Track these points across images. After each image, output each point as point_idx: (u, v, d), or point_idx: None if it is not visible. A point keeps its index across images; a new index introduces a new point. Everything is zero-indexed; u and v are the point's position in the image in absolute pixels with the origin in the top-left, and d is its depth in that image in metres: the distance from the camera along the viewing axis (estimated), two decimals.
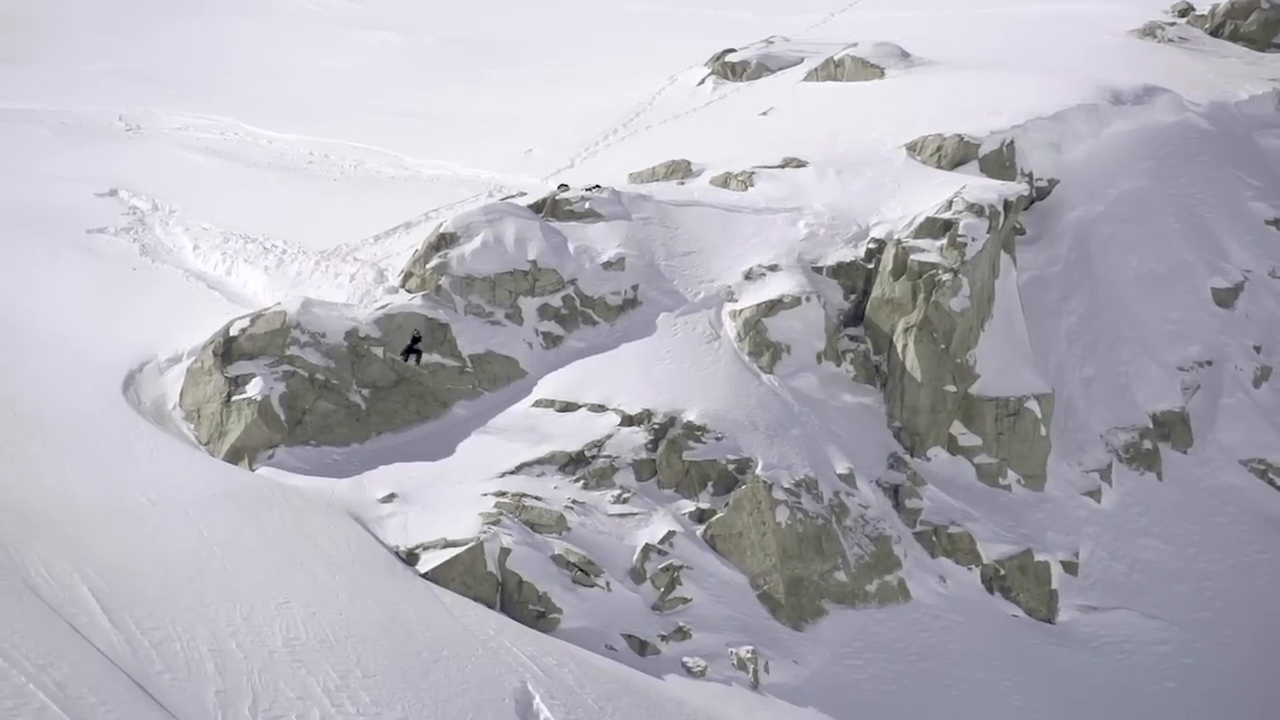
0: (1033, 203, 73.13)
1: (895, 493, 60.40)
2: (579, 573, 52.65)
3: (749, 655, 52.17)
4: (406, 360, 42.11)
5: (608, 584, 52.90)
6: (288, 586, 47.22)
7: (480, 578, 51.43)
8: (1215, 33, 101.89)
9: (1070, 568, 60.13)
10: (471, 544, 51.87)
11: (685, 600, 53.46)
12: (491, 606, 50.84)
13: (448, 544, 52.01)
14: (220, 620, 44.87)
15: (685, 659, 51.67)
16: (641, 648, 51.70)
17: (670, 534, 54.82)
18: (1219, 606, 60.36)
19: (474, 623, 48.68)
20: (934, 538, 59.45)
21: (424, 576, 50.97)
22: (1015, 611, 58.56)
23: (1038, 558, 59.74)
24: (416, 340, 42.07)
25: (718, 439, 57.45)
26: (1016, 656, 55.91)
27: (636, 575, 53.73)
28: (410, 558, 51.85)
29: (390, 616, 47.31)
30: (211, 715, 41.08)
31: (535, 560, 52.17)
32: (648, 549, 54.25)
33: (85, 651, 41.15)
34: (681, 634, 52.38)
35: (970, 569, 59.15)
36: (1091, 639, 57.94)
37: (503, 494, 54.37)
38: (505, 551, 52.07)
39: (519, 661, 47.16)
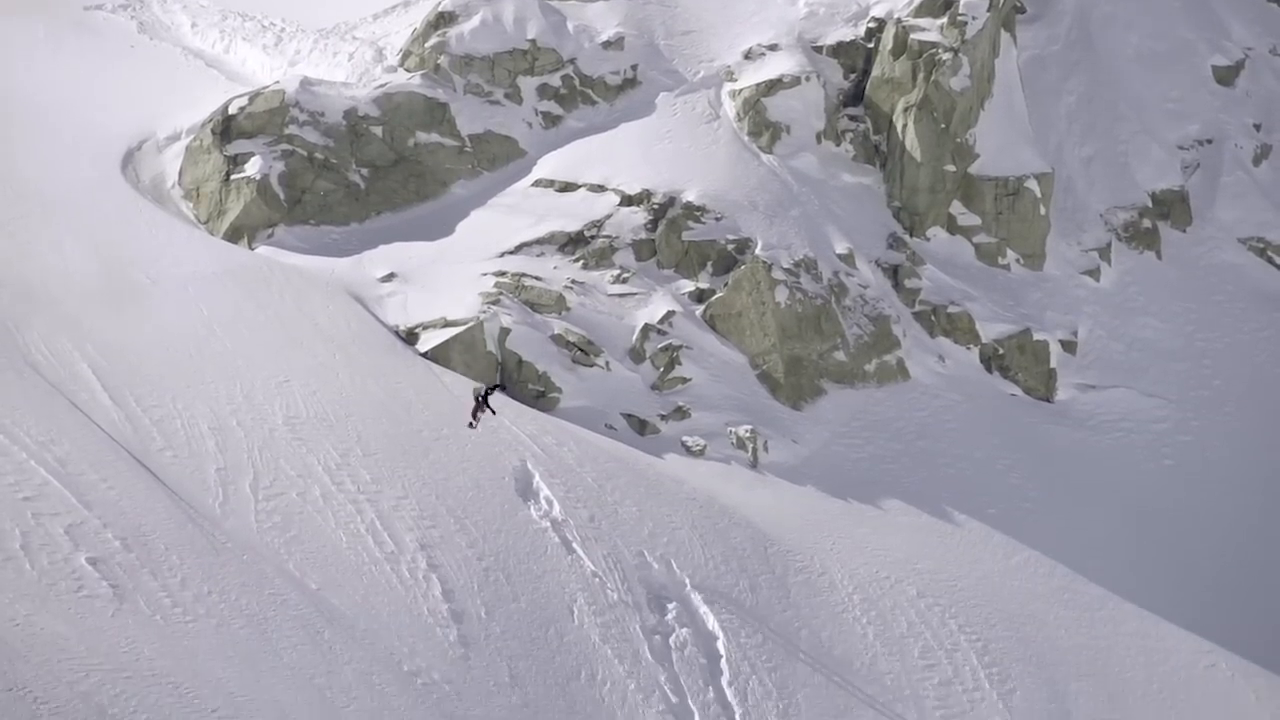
0: None
1: (894, 273, 59.58)
2: (578, 352, 52.13)
3: (748, 434, 51.81)
4: (478, 412, 40.04)
5: (607, 364, 52.39)
6: (288, 365, 46.62)
7: (480, 357, 50.89)
8: None
9: (1069, 346, 59.51)
10: (471, 323, 51.27)
11: (684, 380, 52.99)
12: None
13: (447, 323, 51.39)
14: (220, 398, 44.34)
15: (684, 438, 51.36)
16: (641, 427, 51.35)
17: (669, 314, 54.19)
18: (1217, 384, 59.89)
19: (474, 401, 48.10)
20: (933, 317, 58.76)
21: (424, 356, 50.44)
22: (1014, 390, 58.07)
23: (1036, 337, 59.12)
24: (494, 389, 39.70)
25: (717, 219, 56.46)
26: (1015, 435, 55.56)
27: (636, 355, 53.20)
28: (410, 337, 51.26)
29: (390, 395, 46.76)
30: (213, 492, 40.70)
31: (535, 340, 51.60)
32: (647, 329, 53.64)
33: (86, 428, 40.64)
34: (681, 413, 52.00)
35: (969, 348, 58.52)
36: (1089, 417, 57.53)
37: (502, 274, 53.62)
38: (505, 331, 51.50)
39: (518, 440, 46.73)
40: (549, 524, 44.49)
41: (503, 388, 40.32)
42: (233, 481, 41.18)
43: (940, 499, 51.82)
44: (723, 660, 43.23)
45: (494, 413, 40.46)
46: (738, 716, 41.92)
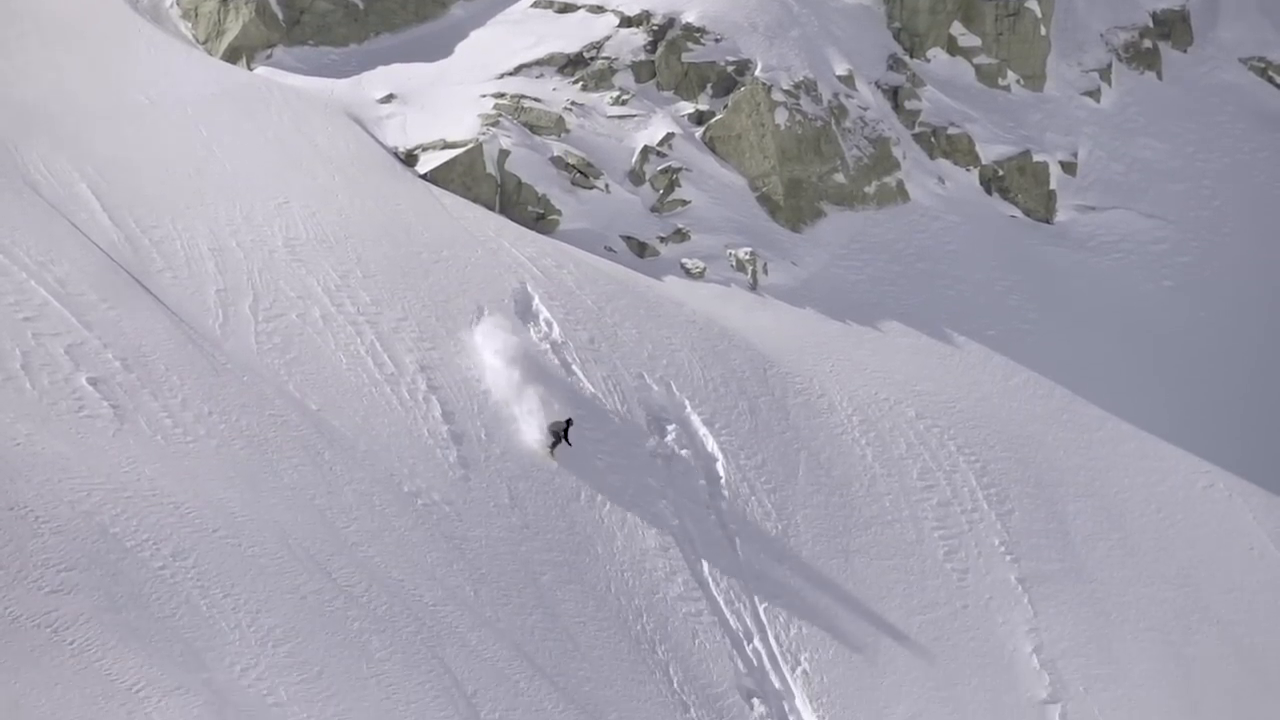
0: None
1: (894, 94, 58.48)
2: (578, 174, 51.37)
3: (747, 257, 51.18)
4: (556, 447, 38.64)
5: (606, 186, 51.64)
6: (287, 186, 45.80)
7: (479, 179, 50.08)
8: None
9: (1068, 168, 58.64)
10: (470, 145, 50.40)
11: (684, 202, 52.25)
12: (491, 208, 49.62)
13: (447, 145, 50.53)
14: (220, 219, 43.57)
15: (684, 260, 50.75)
16: (640, 249, 50.73)
17: (669, 136, 53.28)
18: (1217, 205, 59.16)
19: (473, 224, 47.43)
20: (933, 139, 57.83)
21: (423, 177, 49.61)
22: (1013, 212, 57.31)
23: (1036, 158, 58.25)
24: (570, 423, 38.12)
25: (716, 40, 55.30)
26: (1014, 256, 54.93)
27: (635, 177, 52.42)
28: (409, 159, 50.41)
29: (390, 217, 45.99)
30: (212, 313, 40.09)
31: (534, 162, 50.80)
32: (646, 151, 52.77)
33: (85, 249, 39.91)
34: (680, 236, 51.35)
35: (969, 170, 57.68)
36: (1089, 238, 56.89)
37: (501, 95, 52.62)
38: (504, 153, 50.66)
39: (518, 263, 46.07)
40: (549, 346, 43.98)
41: (571, 422, 39.60)
42: (232, 303, 40.56)
43: (939, 321, 51.34)
44: (722, 482, 42.98)
45: (570, 444, 39.43)
46: (737, 538, 41.72)
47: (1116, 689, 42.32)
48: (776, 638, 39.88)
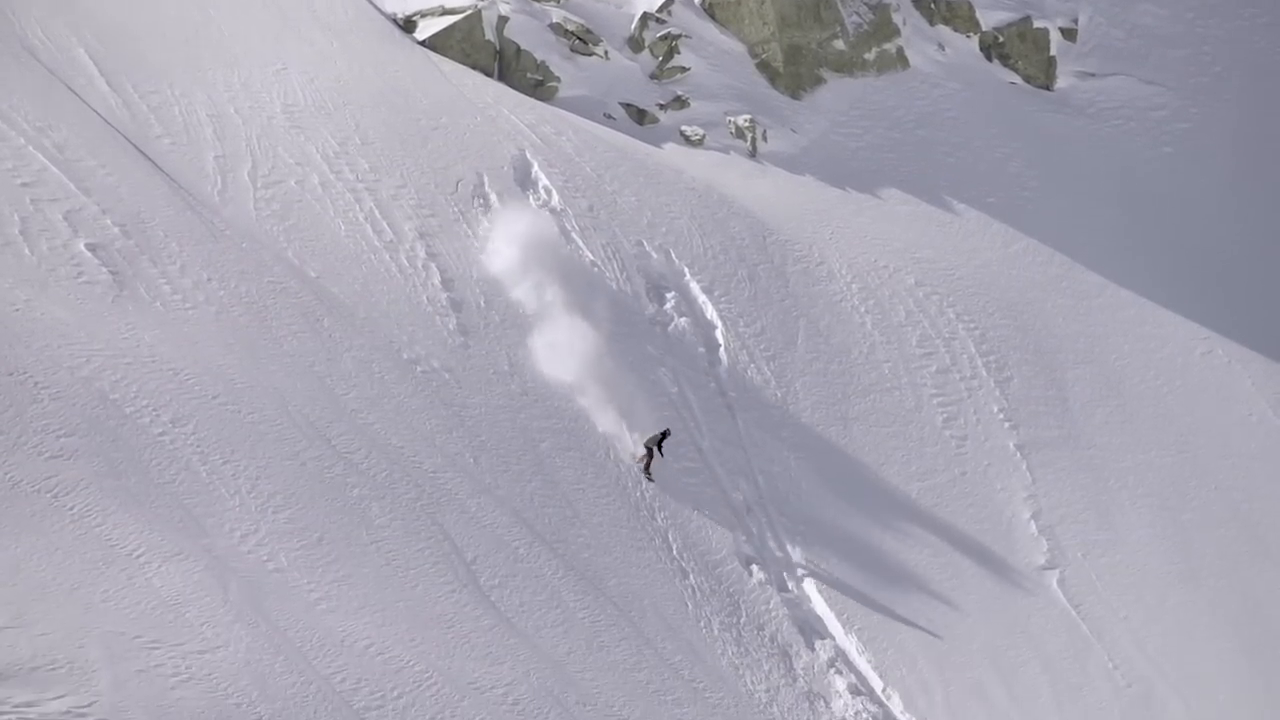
0: None
1: None
2: (577, 41, 50.64)
3: (747, 124, 50.56)
4: (651, 462, 36.56)
5: (605, 53, 50.96)
6: (285, 52, 45.04)
7: (478, 45, 49.32)
8: None
9: (1069, 34, 57.87)
10: (469, 11, 49.62)
11: (683, 69, 51.57)
12: (489, 75, 49.01)
13: (445, 11, 49.72)
14: (218, 86, 42.83)
15: (683, 128, 50.18)
16: (640, 116, 50.12)
17: (668, 2, 52.74)
18: (1216, 71, 58.44)
19: (472, 91, 46.72)
20: (933, 5, 57.01)
21: (421, 44, 48.82)
22: (1013, 79, 56.58)
23: (1036, 24, 57.51)
24: (665, 436, 36.34)
25: None
26: (1013, 123, 54.30)
27: (635, 44, 51.70)
28: (408, 25, 49.59)
29: (388, 84, 45.25)
30: (211, 180, 39.47)
31: (533, 28, 50.07)
32: (646, 17, 52.04)
33: (83, 115, 39.22)
34: (679, 103, 50.73)
35: (968, 36, 56.89)
36: (1089, 105, 56.19)
37: None
38: (503, 20, 49.98)
39: (517, 129, 45.39)
40: (548, 213, 43.44)
41: (668, 433, 37.80)
42: (231, 169, 39.94)
43: (939, 188, 50.84)
44: (721, 349, 42.64)
45: (664, 456, 37.70)
46: (736, 405, 41.43)
47: (1114, 554, 42.23)
48: (775, 505, 39.66)
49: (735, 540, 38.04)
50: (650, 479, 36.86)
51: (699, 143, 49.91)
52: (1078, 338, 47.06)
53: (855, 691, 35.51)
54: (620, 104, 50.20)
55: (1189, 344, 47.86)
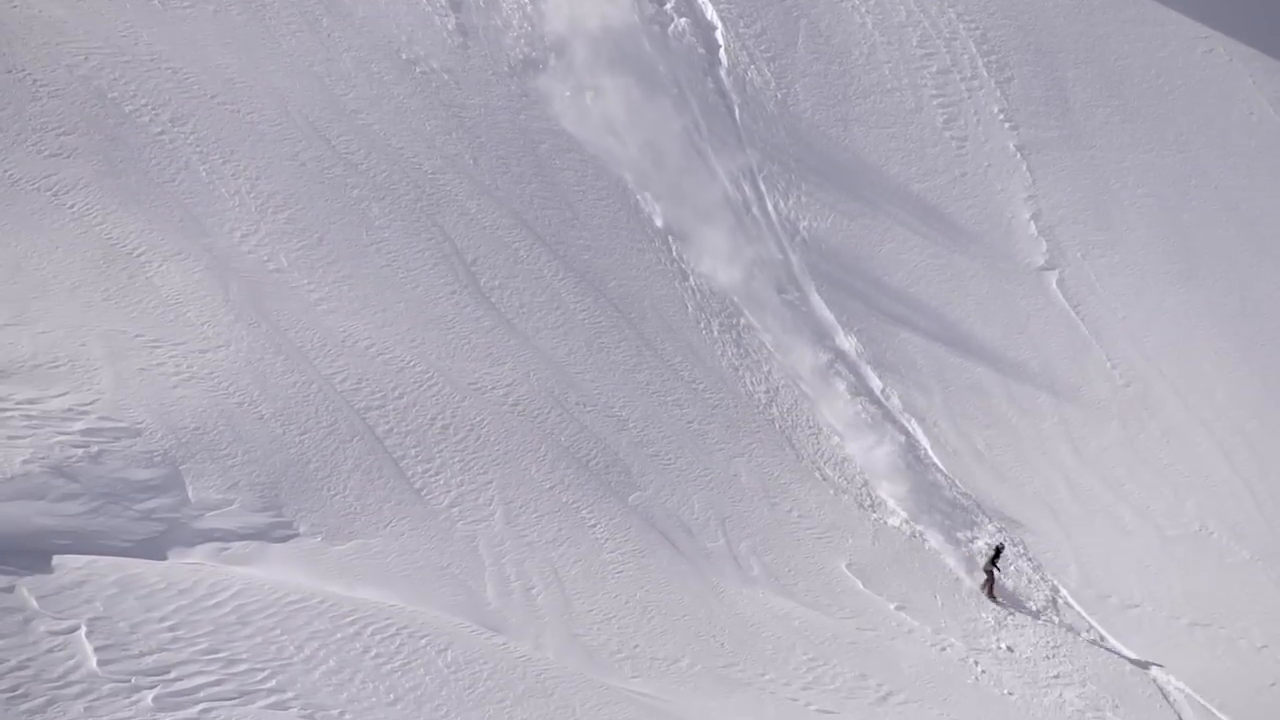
0: None
1: None
2: None
3: None
4: (991, 581, 32.07)
5: None
6: None
7: None
8: None
9: None
10: None
11: None
12: None
13: None
14: None
15: None
16: None
17: None
18: None
19: None
20: None
21: None
22: None
23: None
24: (1000, 551, 32.29)
25: None
26: None
27: None
28: None
29: None
30: None
31: None
32: None
33: None
34: None
35: None
36: None
37: None
38: None
39: None
40: None
41: (1001, 549, 33.50)
42: None
43: None
44: (721, 51, 41.59)
45: (1000, 572, 33.20)
46: (736, 106, 40.54)
47: (1113, 254, 41.74)
48: (775, 206, 39.07)
49: (734, 241, 37.52)
50: (998, 601, 31.93)
51: None
52: (1079, 37, 45.85)
53: (855, 392, 35.30)
54: None
55: (1190, 42, 46.72)
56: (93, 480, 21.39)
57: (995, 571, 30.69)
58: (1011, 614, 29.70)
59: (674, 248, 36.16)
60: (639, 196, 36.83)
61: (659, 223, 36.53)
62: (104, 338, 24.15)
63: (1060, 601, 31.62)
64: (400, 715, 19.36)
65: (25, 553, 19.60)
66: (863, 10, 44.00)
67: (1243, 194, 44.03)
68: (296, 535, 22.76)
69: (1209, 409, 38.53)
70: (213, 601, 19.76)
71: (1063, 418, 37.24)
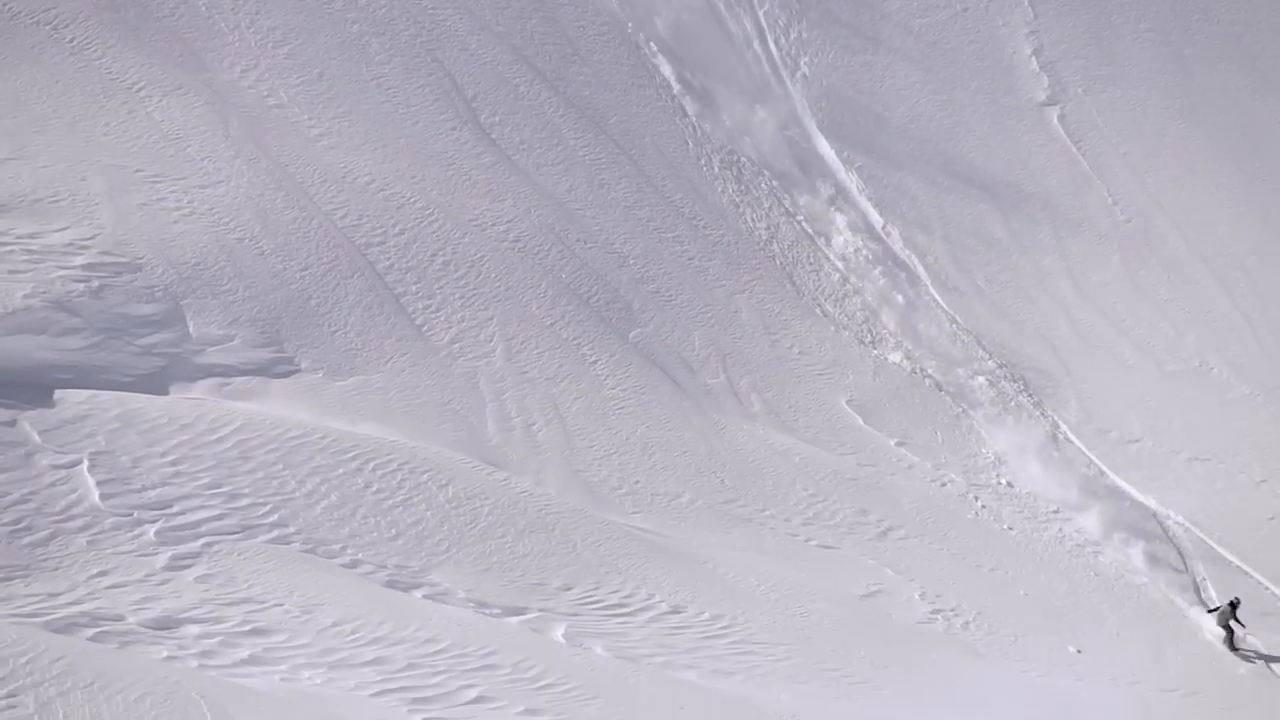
0: None
1: None
2: None
3: None
4: (1233, 634, 28.57)
5: None
6: None
7: None
8: None
9: None
10: None
11: None
12: None
13: None
14: None
15: None
16: None
17: None
18: None
19: None
20: None
21: None
22: None
23: None
24: (1235, 607, 28.88)
25: None
26: None
27: None
28: None
29: None
30: None
31: None
32: None
33: None
34: None
35: None
36: None
37: None
38: None
39: None
40: None
41: (1237, 602, 30.15)
42: None
43: None
44: None
45: (1244, 625, 30.25)
46: None
47: (1115, 90, 40.87)
48: (776, 42, 38.29)
49: (736, 75, 36.82)
50: (1241, 653, 28.46)
51: None
52: None
53: (855, 229, 34.80)
54: None
55: None
56: (94, 315, 21.15)
57: (1236, 624, 28.82)
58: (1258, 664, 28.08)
59: (675, 85, 35.53)
60: (639, 34, 36.11)
61: (660, 60, 35.85)
62: (104, 172, 23.81)
63: (1060, 437, 31.44)
64: (402, 550, 19.28)
65: (27, 387, 19.42)
66: None
67: (1245, 28, 43.00)
68: (298, 371, 22.57)
69: (1210, 244, 37.96)
70: (214, 437, 19.60)
71: (1063, 253, 36.71)
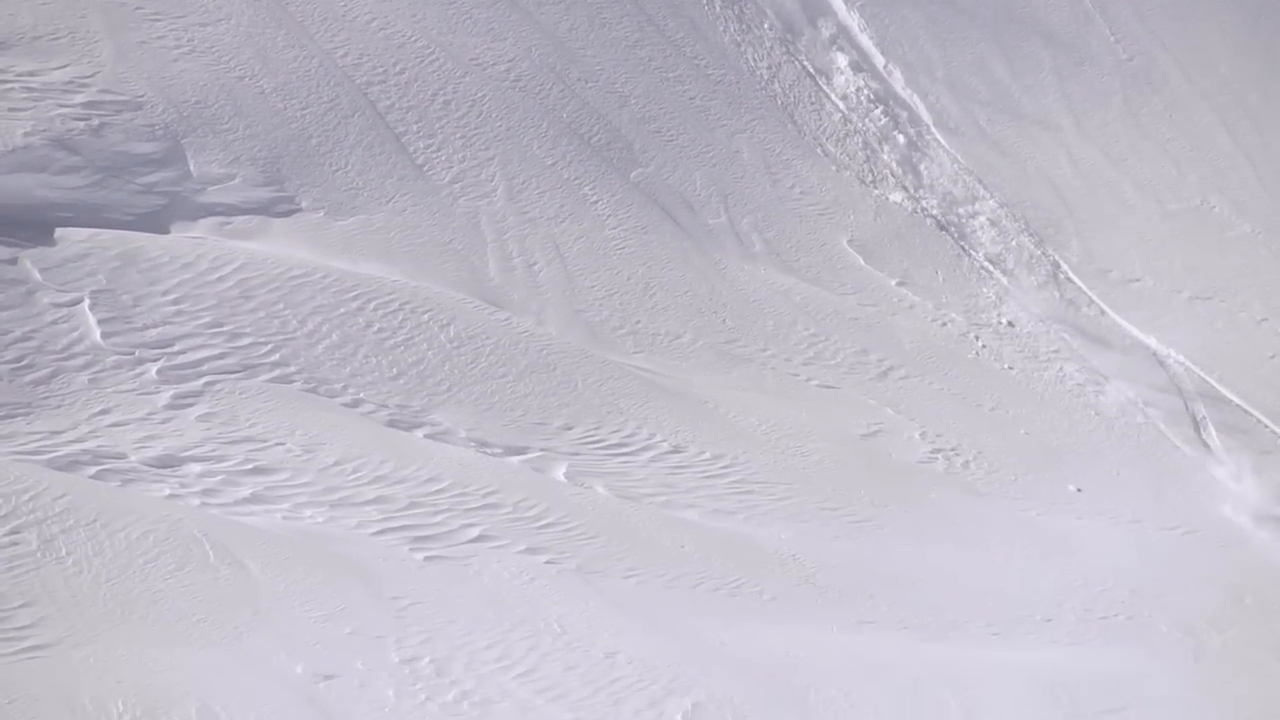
0: None
1: None
2: None
3: None
4: None
5: None
6: None
7: None
8: None
9: None
10: None
11: None
12: None
13: None
14: None
15: None
16: None
17: None
18: None
19: None
20: None
21: None
22: None
23: None
24: None
25: None
26: None
27: None
28: None
29: None
30: None
31: None
32: None
33: None
34: None
35: None
36: None
37: None
38: None
39: None
40: None
41: None
42: None
43: None
44: None
45: None
46: None
47: None
48: None
49: None
50: None
51: None
52: None
53: (857, 68, 34.12)
54: None
55: None
56: (94, 153, 20.81)
57: None
58: None
59: None
60: None
61: None
62: (103, 10, 23.25)
63: (1061, 276, 31.09)
64: (403, 389, 19.11)
65: (27, 225, 19.15)
66: None
67: None
68: (299, 210, 22.23)
69: (1212, 82, 37.19)
70: (216, 275, 19.33)
71: (1065, 92, 35.97)
